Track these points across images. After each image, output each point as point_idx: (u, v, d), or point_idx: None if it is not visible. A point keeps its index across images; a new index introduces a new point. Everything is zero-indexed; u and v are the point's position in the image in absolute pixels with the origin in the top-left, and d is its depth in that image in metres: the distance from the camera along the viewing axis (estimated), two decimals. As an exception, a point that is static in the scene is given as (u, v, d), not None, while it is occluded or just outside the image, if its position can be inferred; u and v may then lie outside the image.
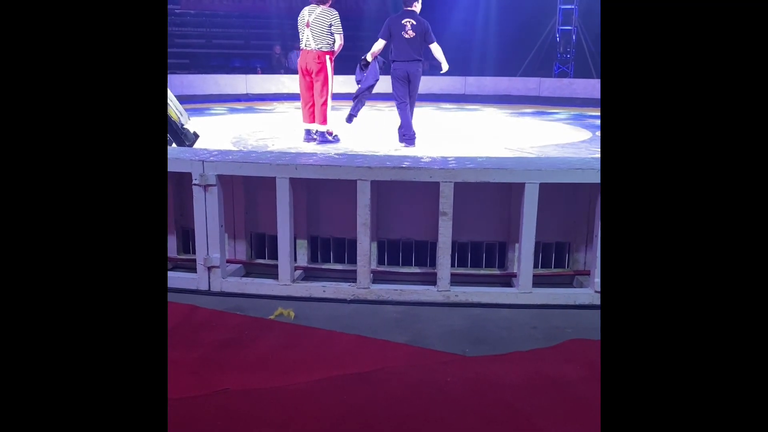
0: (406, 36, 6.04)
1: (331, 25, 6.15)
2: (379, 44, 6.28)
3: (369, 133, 7.85)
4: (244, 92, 13.98)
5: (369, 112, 11.13)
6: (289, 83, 13.62)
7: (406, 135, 6.36)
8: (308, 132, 6.67)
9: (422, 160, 3.13)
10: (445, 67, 6.35)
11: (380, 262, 3.30)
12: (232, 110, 11.20)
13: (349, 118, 6.74)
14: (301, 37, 6.26)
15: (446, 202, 2.88)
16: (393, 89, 6.25)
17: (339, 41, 6.21)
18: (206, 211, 3.00)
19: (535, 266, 3.01)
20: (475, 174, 2.86)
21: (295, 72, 7.97)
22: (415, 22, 6.04)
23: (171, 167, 3.04)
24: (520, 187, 2.89)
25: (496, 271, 3.25)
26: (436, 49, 6.20)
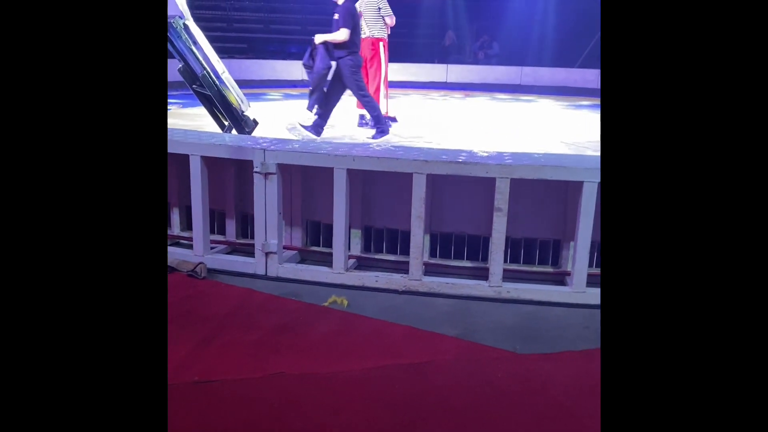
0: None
1: (380, 8, 6.20)
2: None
3: (419, 123, 7.84)
4: (300, 78, 14.14)
5: (420, 100, 11.11)
6: (344, 70, 13.67)
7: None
8: (362, 117, 6.73)
9: (478, 154, 3.13)
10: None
11: (432, 254, 3.33)
12: (288, 96, 11.36)
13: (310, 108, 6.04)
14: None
15: (501, 198, 2.87)
16: None
17: (390, 22, 6.25)
18: (266, 199, 3.09)
19: (590, 265, 2.97)
20: (532, 171, 2.85)
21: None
22: (337, 16, 5.47)
23: (233, 155, 3.16)
24: (578, 185, 2.85)
25: (549, 269, 3.23)
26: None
